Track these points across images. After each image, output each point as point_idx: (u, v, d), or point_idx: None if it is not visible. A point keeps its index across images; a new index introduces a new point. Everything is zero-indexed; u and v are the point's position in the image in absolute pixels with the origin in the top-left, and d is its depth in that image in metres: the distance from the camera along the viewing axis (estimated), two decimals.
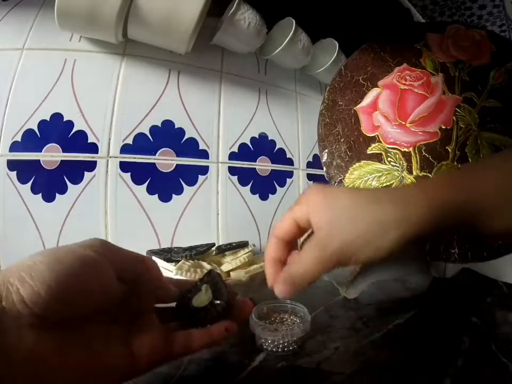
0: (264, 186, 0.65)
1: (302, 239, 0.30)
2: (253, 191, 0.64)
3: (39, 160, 0.49)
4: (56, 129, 0.50)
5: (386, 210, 0.24)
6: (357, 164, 0.51)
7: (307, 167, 0.72)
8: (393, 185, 0.50)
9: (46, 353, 0.17)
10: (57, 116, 0.50)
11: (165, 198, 0.56)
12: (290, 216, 0.28)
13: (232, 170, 0.62)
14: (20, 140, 0.48)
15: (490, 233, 0.25)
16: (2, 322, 0.16)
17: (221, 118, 0.62)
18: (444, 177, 0.28)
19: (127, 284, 0.22)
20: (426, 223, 0.24)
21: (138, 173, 0.54)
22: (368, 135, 0.52)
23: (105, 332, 0.20)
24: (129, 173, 0.53)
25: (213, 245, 0.50)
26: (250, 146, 0.65)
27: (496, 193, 0.23)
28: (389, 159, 0.50)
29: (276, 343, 0.33)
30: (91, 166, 0.51)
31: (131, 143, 0.54)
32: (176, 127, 0.58)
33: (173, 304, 0.27)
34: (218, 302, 0.26)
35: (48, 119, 0.50)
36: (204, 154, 0.60)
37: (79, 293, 0.19)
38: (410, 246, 0.25)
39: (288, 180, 0.69)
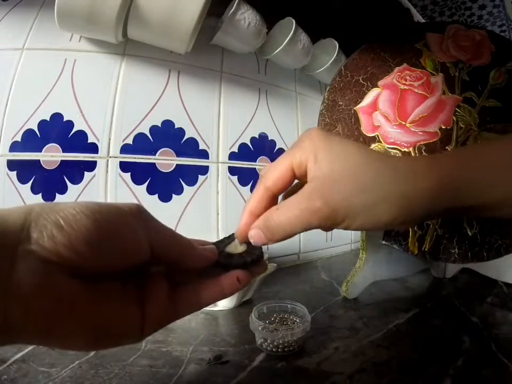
0: None
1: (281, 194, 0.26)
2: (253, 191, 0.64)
3: (39, 160, 0.49)
4: (56, 129, 0.50)
5: (396, 178, 0.22)
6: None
7: None
8: None
9: (68, 305, 0.17)
10: (57, 116, 0.50)
11: (165, 198, 0.56)
12: (286, 159, 0.24)
13: (232, 170, 0.62)
14: (19, 140, 0.48)
15: (497, 214, 0.23)
16: (27, 266, 0.15)
17: (221, 118, 0.62)
18: (458, 153, 0.24)
19: (155, 256, 0.21)
20: (433, 200, 0.21)
21: (138, 173, 0.54)
22: (368, 135, 0.52)
23: (120, 290, 0.20)
24: (129, 173, 0.53)
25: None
26: (250, 146, 0.65)
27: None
28: None
29: (275, 343, 0.33)
30: (91, 166, 0.51)
31: (131, 143, 0.54)
32: (176, 127, 0.58)
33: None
34: (252, 251, 0.24)
35: (48, 119, 0.50)
36: (204, 154, 0.60)
37: (115, 250, 0.18)
38: (413, 224, 0.24)
39: None
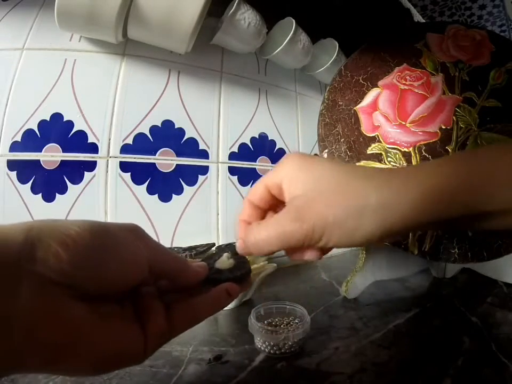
0: None
1: None
2: None
3: (39, 160, 0.49)
4: (56, 129, 0.50)
5: (368, 191, 0.21)
6: (357, 164, 0.51)
7: None
8: None
9: (75, 330, 0.16)
10: (57, 116, 0.50)
11: (165, 198, 0.56)
12: (262, 182, 0.25)
13: (232, 170, 0.62)
14: (19, 140, 0.48)
15: (486, 227, 0.22)
16: (32, 288, 0.15)
17: (221, 118, 0.62)
18: (439, 161, 0.23)
19: (152, 273, 0.21)
20: (415, 212, 0.21)
21: (138, 173, 0.54)
22: (368, 135, 0.52)
23: (120, 312, 0.20)
24: (129, 173, 0.53)
25: (213, 245, 0.50)
26: (250, 146, 0.65)
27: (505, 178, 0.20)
28: (389, 159, 0.50)
29: (275, 345, 0.33)
30: (91, 166, 0.51)
31: (131, 143, 0.54)
32: (176, 127, 0.58)
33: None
34: (242, 265, 0.26)
35: (48, 119, 0.50)
36: (204, 154, 0.60)
37: (118, 267, 0.18)
38: (397, 238, 0.23)
39: None
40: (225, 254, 0.27)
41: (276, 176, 0.24)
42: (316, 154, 0.57)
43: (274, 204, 0.26)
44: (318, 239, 0.22)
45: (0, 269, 0.14)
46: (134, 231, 0.20)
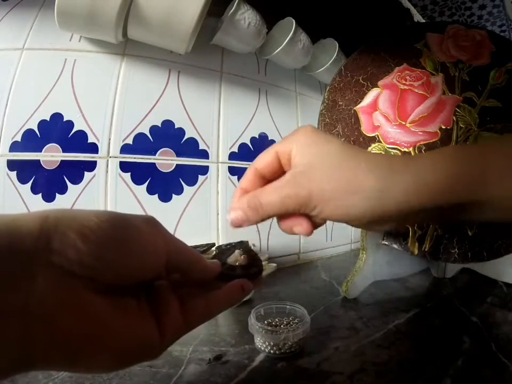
0: None
1: None
2: None
3: (39, 160, 0.49)
4: (56, 129, 0.50)
5: (367, 173, 0.22)
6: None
7: None
8: None
9: (95, 323, 0.16)
10: (57, 116, 0.50)
11: (165, 198, 0.56)
12: (272, 148, 0.26)
13: (232, 170, 0.62)
14: (20, 140, 0.48)
15: (477, 218, 0.23)
16: (49, 279, 0.14)
17: (221, 118, 0.62)
18: (435, 154, 0.24)
19: (168, 266, 0.21)
20: (407, 200, 0.22)
21: (138, 173, 0.54)
22: (368, 135, 0.52)
23: (137, 305, 0.19)
24: (129, 173, 0.53)
25: (213, 245, 0.50)
26: (250, 146, 0.65)
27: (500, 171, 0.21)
28: None
29: (275, 345, 0.33)
30: (91, 166, 0.51)
31: (131, 143, 0.54)
32: (176, 127, 0.58)
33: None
34: (254, 263, 0.26)
35: (48, 119, 0.50)
36: (204, 154, 0.60)
37: (137, 258, 0.18)
38: (389, 225, 0.24)
39: None
40: (237, 251, 0.26)
41: (288, 144, 0.25)
42: None
43: (278, 175, 0.26)
44: (312, 208, 0.23)
45: (12, 258, 0.14)
46: (151, 223, 0.20)
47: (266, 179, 0.27)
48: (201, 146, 0.60)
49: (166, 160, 0.56)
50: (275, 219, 0.26)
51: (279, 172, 0.26)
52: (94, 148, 0.51)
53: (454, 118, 0.50)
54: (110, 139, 0.52)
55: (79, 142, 0.51)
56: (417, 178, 0.22)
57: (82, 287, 0.15)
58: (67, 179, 0.50)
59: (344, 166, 0.23)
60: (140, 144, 0.54)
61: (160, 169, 0.56)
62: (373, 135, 0.52)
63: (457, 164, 0.22)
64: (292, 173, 0.24)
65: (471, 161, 0.22)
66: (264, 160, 0.26)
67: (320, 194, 0.23)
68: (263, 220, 0.24)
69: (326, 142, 0.24)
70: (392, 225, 0.24)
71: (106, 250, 0.16)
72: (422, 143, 0.49)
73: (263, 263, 0.46)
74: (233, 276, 0.24)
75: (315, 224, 0.25)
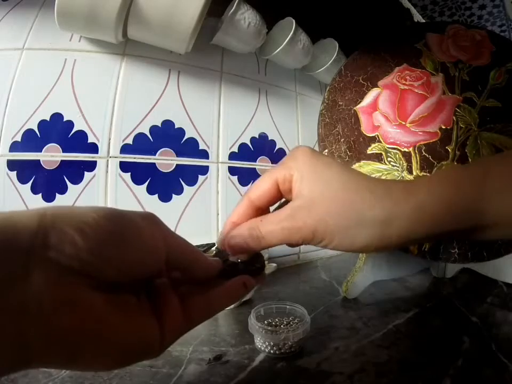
0: None
1: (272, 208, 0.26)
2: None
3: (39, 160, 0.49)
4: (56, 129, 0.50)
5: (370, 207, 0.22)
6: (357, 164, 0.51)
7: None
8: None
9: (95, 321, 0.15)
10: (57, 116, 0.50)
11: (165, 198, 0.56)
12: (271, 175, 0.25)
13: (232, 170, 0.62)
14: (20, 140, 0.48)
15: (479, 238, 0.23)
16: (46, 276, 0.14)
17: (221, 118, 0.62)
18: (432, 178, 0.25)
19: (168, 263, 0.20)
20: (409, 226, 0.22)
21: (138, 173, 0.54)
22: (368, 135, 0.52)
23: (137, 302, 0.19)
24: (129, 173, 0.53)
25: (213, 245, 0.50)
26: (250, 146, 0.65)
27: (500, 190, 0.21)
28: (389, 159, 0.50)
29: (275, 345, 0.33)
30: (91, 166, 0.51)
31: (131, 143, 0.54)
32: (176, 127, 0.58)
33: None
34: (257, 259, 0.25)
35: (48, 119, 0.50)
36: (204, 154, 0.60)
37: (136, 255, 0.18)
38: (390, 249, 0.24)
39: None
40: None
41: (287, 170, 0.24)
42: None
43: (273, 203, 0.26)
44: (319, 241, 0.23)
45: (8, 255, 0.14)
46: (150, 218, 0.20)
47: (261, 210, 0.26)
48: (201, 146, 0.60)
49: (166, 160, 0.56)
50: None
51: (276, 200, 0.26)
52: (94, 148, 0.51)
53: (454, 118, 0.50)
54: (110, 139, 0.52)
55: (79, 142, 0.51)
56: (418, 207, 0.22)
57: (80, 284, 0.15)
58: (67, 179, 0.50)
59: (346, 199, 0.23)
60: (140, 144, 0.54)
61: (160, 169, 0.56)
62: (373, 135, 0.52)
63: (456, 189, 0.22)
64: (293, 207, 0.23)
65: (471, 184, 0.22)
66: (260, 189, 0.25)
67: (325, 229, 0.22)
68: (264, 249, 0.24)
69: (325, 168, 0.24)
70: (395, 248, 0.24)
71: (105, 246, 0.16)
72: (422, 143, 0.50)
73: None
74: (235, 272, 0.24)
75: None
